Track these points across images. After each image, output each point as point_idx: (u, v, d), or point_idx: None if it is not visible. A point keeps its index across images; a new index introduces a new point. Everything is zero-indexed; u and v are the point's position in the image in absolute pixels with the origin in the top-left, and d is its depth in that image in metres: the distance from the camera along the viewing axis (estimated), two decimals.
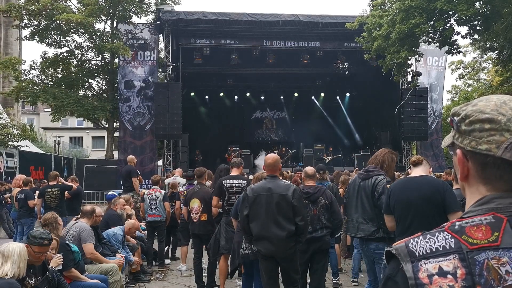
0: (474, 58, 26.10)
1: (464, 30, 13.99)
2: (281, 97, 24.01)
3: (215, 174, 6.89)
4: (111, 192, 8.64)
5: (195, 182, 6.95)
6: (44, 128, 36.39)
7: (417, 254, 0.89)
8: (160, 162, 19.05)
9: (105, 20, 18.52)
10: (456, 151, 0.99)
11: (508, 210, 0.89)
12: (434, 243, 0.89)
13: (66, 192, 8.69)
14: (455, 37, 14.14)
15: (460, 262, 0.85)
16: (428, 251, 0.89)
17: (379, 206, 4.13)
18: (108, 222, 6.77)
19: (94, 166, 18.38)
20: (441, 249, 0.88)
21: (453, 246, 0.87)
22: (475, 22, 13.60)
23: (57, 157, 18.87)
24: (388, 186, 4.10)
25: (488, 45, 16.12)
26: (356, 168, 15.50)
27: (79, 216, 6.14)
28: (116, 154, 19.21)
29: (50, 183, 8.76)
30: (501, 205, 0.91)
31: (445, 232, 0.90)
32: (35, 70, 18.53)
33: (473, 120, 0.95)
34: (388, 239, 4.12)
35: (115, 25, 18.43)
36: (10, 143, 15.08)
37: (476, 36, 14.70)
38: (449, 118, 1.04)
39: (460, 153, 0.98)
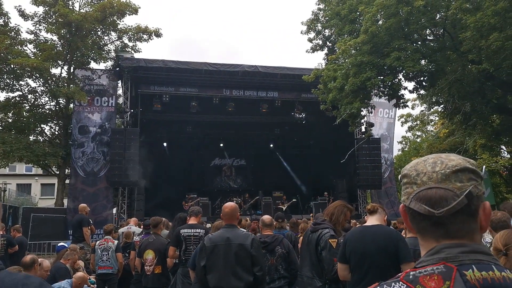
0: (422, 111, 27.71)
1: (411, 85, 14.94)
2: (240, 145, 24.19)
3: (172, 223, 6.71)
4: (61, 244, 8.18)
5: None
6: None
7: None
8: (114, 210, 18.35)
9: (61, 65, 18.29)
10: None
11: (457, 260, 0.94)
12: None
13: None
14: (403, 91, 15.03)
15: None
16: None
17: (323, 261, 4.06)
18: (55, 275, 6.33)
19: (42, 215, 17.37)
20: None
21: None
22: (421, 78, 14.56)
23: (2, 206, 17.72)
24: (331, 240, 4.05)
25: (434, 100, 17.20)
26: (311, 214, 15.59)
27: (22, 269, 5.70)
28: (66, 202, 18.36)
29: None
30: (450, 254, 0.96)
31: (401, 282, 0.94)
32: None
33: (401, 176, 1.10)
34: None
35: (72, 70, 18.23)
36: None
37: (422, 91, 15.68)
38: None
39: (401, 206, 1.09)
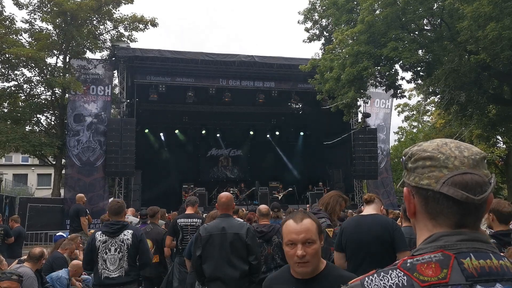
0: (418, 101, 27.72)
1: (408, 75, 14.94)
2: (237, 135, 24.18)
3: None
4: (59, 233, 8.19)
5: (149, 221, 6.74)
6: None
7: None
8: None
9: (57, 55, 18.15)
10: (404, 188, 1.06)
11: (455, 248, 0.94)
12: (388, 281, 0.93)
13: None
14: (400, 81, 15.04)
15: None
16: None
17: None
18: (52, 265, 6.36)
19: (38, 205, 17.37)
20: (394, 286, 0.92)
21: (405, 284, 0.91)
22: (418, 68, 14.56)
23: None
24: (327, 229, 4.05)
25: (430, 90, 17.20)
26: (308, 205, 15.66)
27: (22, 258, 5.72)
28: (63, 192, 18.36)
29: None
30: (448, 242, 0.95)
31: (398, 270, 0.94)
32: None
33: (417, 158, 1.03)
34: None
35: (67, 60, 18.10)
36: None
37: (419, 81, 15.68)
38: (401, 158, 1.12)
39: (406, 190, 1.05)
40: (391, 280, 0.93)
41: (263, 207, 5.33)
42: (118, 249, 4.34)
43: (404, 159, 1.07)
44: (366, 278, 0.96)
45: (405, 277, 0.92)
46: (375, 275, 0.95)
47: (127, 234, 4.41)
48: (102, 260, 4.32)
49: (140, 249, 4.46)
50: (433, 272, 0.91)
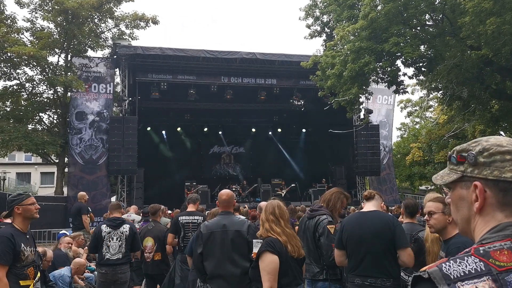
0: (421, 97, 27.61)
1: (410, 71, 14.88)
2: (239, 133, 24.17)
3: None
4: (62, 231, 8.23)
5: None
6: None
7: (452, 277, 0.97)
8: (113, 198, 18.42)
9: (58, 54, 18.19)
10: (474, 183, 1.09)
11: None
12: (466, 267, 0.98)
13: None
14: (402, 77, 14.97)
15: (494, 283, 0.95)
16: (462, 274, 0.97)
17: (321, 247, 4.08)
18: (54, 263, 6.38)
19: (41, 203, 17.37)
20: (473, 271, 0.97)
21: (483, 269, 0.97)
22: (420, 64, 14.50)
23: (2, 194, 17.75)
24: (329, 226, 4.06)
25: (433, 86, 17.14)
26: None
27: None
28: (66, 190, 18.42)
29: None
30: None
31: (473, 257, 1.00)
32: None
33: (493, 152, 1.08)
34: (332, 280, 4.07)
35: (69, 58, 18.12)
36: None
37: (421, 77, 15.61)
38: (456, 155, 1.15)
39: (479, 184, 1.09)
40: (469, 265, 0.98)
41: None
42: (119, 238, 5.67)
43: (474, 153, 1.10)
44: (443, 264, 1.00)
45: (481, 263, 0.98)
46: (451, 261, 1.00)
47: (126, 228, 5.77)
48: (106, 246, 5.64)
49: (135, 239, 5.83)
50: (507, 258, 0.98)
